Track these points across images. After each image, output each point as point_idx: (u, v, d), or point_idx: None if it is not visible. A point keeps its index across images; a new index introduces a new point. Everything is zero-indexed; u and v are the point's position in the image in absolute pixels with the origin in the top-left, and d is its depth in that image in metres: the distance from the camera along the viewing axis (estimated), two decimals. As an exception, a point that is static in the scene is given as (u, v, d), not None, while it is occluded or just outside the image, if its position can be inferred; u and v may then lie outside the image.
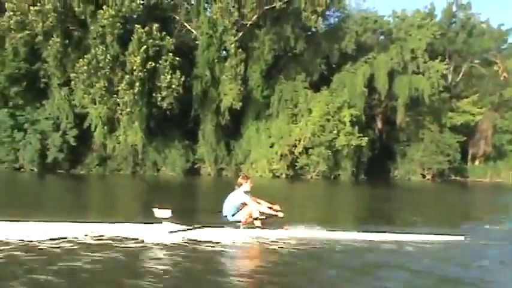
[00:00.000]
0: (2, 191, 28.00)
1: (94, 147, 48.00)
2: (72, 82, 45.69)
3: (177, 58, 44.72)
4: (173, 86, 44.32)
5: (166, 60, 44.16)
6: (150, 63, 43.11)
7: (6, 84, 45.61)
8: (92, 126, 47.19)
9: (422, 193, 40.07)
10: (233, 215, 10.60)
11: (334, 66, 52.82)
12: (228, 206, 10.67)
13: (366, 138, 48.13)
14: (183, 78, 44.99)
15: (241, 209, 10.71)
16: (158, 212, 10.56)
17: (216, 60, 47.94)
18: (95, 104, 44.47)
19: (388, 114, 55.56)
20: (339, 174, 50.17)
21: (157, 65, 43.78)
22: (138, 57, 42.28)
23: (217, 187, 38.71)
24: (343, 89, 49.34)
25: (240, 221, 10.58)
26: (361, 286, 8.11)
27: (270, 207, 10.63)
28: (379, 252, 10.48)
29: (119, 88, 43.25)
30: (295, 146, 48.07)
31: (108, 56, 42.21)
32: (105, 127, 46.88)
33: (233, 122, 49.89)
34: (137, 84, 43.15)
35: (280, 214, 10.48)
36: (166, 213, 10.47)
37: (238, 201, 10.62)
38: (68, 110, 46.80)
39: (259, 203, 10.70)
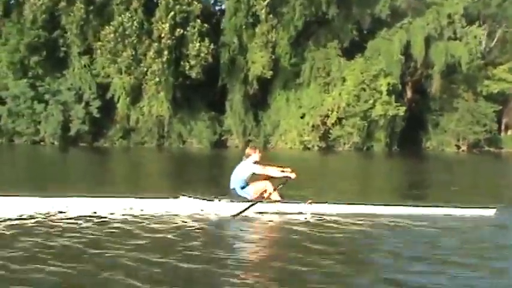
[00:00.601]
0: (28, 166, 25.98)
1: (117, 119, 45.98)
2: (96, 51, 43.56)
3: (205, 25, 42.36)
4: (202, 55, 42.08)
5: (194, 27, 41.89)
6: (178, 30, 40.78)
7: (25, 53, 43.39)
8: (115, 97, 45.18)
9: (463, 165, 37.83)
10: (242, 188, 9.89)
11: (365, 32, 50.27)
12: (236, 178, 9.96)
13: (404, 107, 45.80)
14: (212, 46, 42.64)
15: (249, 183, 10.04)
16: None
17: (243, 27, 45.54)
18: (119, 73, 42.27)
19: (421, 83, 53.08)
20: (371, 146, 48.01)
21: (185, 33, 41.44)
22: (167, 24, 39.99)
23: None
24: (378, 56, 46.85)
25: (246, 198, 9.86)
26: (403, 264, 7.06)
27: (281, 171, 9.96)
28: (409, 227, 9.50)
29: (147, 57, 40.95)
30: (328, 117, 45.86)
31: (135, 23, 39.83)
32: (129, 98, 44.83)
33: (261, 92, 47.71)
34: (165, 52, 40.90)
35: (293, 175, 9.78)
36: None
37: (247, 172, 9.90)
38: (91, 80, 44.72)
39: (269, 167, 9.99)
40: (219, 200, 9.66)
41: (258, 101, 48.11)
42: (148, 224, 9.00)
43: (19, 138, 44.47)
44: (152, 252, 7.03)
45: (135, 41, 40.64)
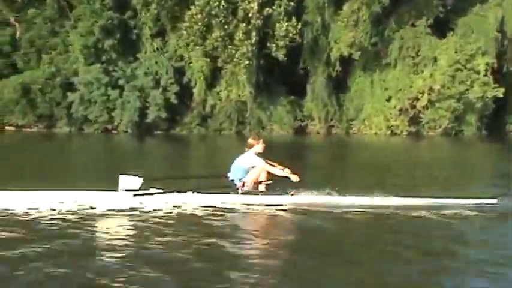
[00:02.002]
0: (121, 156, 23.29)
1: (193, 105, 43.44)
2: (176, 32, 41.02)
3: (291, 3, 39.49)
4: (290, 35, 39.21)
5: (280, 6, 39.00)
6: (266, 9, 37.95)
7: (99, 36, 40.87)
8: (192, 82, 42.62)
9: None
10: (241, 179, 9.19)
11: (449, 8, 46.96)
12: (236, 169, 9.27)
13: (502, 89, 42.60)
14: (299, 26, 39.79)
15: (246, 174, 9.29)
16: (125, 181, 8.48)
17: (326, 5, 42.56)
18: (205, 56, 39.69)
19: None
20: (461, 130, 44.94)
21: (273, 12, 38.65)
22: (255, 3, 37.18)
23: (331, 147, 33.82)
24: (471, 34, 43.59)
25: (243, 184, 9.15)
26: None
27: (283, 170, 9.15)
28: (401, 219, 8.37)
29: (234, 38, 38.19)
30: (418, 99, 42.83)
31: (223, 2, 37.06)
32: (206, 82, 42.24)
33: (342, 74, 44.85)
34: (253, 33, 38.14)
35: (295, 178, 8.90)
36: (135, 182, 8.48)
37: (249, 164, 9.22)
38: (167, 64, 42.10)
39: (272, 165, 9.19)
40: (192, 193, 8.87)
41: (340, 84, 45.26)
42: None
43: (89, 127, 42.22)
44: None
45: (222, 22, 37.80)
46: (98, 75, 40.66)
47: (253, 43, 38.36)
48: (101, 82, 40.68)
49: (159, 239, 6.75)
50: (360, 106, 44.69)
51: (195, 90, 42.67)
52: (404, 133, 43.49)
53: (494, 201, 8.98)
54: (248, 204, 8.80)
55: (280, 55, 40.02)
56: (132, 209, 8.21)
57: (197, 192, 8.84)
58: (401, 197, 9.05)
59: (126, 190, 8.33)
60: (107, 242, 6.65)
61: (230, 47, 38.82)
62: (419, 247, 6.79)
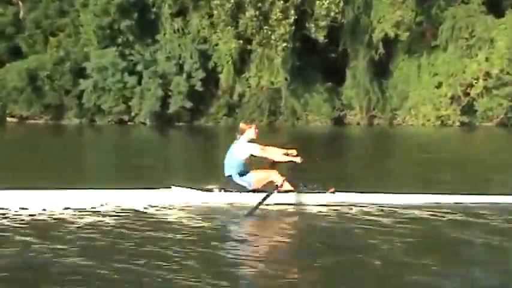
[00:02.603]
0: (146, 151, 18.79)
1: (219, 93, 38.76)
2: (193, 12, 36.49)
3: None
4: (332, 14, 34.48)
5: (319, -19, 34.32)
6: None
7: (115, 16, 36.05)
8: (219, 67, 37.97)
9: None
10: (241, 175, 7.93)
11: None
12: (231, 163, 7.98)
13: None
14: (341, 4, 35.07)
15: (249, 170, 8.04)
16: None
17: (369, -20, 37.88)
18: (237, 38, 35.03)
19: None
20: (515, 120, 40.17)
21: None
22: (293, -23, 32.47)
23: (375, 139, 29.48)
24: (533, 12, 38.88)
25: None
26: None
27: (285, 154, 7.99)
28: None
29: (271, 17, 33.51)
30: (472, 86, 38.20)
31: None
32: (234, 67, 37.59)
33: (384, 58, 40.17)
34: (291, 12, 33.40)
35: (298, 159, 7.83)
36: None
37: (244, 153, 7.92)
38: (191, 47, 37.37)
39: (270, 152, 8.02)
40: (219, 191, 7.90)
41: (381, 69, 40.58)
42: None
43: (102, 118, 37.62)
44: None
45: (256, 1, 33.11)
46: (114, 60, 35.93)
47: (291, 23, 33.58)
48: (117, 67, 36.03)
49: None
50: (404, 94, 40.05)
51: (221, 76, 38.01)
52: (457, 124, 38.83)
53: None
54: (282, 204, 7.73)
55: (321, 36, 35.55)
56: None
57: (224, 191, 7.92)
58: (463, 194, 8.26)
59: None
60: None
61: (266, 27, 34.01)
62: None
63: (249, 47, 37.42)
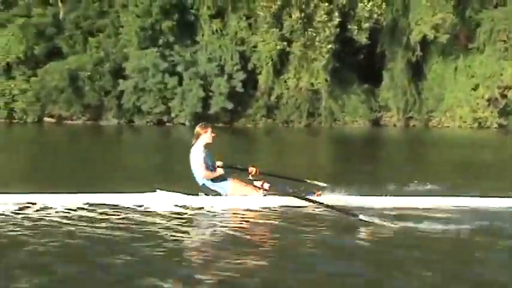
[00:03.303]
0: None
1: (257, 95, 38.87)
2: (231, 13, 36.60)
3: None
4: (375, 16, 34.60)
5: (363, -18, 34.46)
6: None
7: (158, 17, 36.15)
8: (257, 68, 38.09)
9: None
10: (214, 181, 7.76)
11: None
12: (195, 169, 7.79)
13: None
14: (384, 5, 35.18)
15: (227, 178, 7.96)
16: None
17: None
18: (282, 40, 35.15)
19: None
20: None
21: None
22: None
23: (416, 142, 29.30)
24: None
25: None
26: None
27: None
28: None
29: (315, 19, 33.61)
30: (510, 88, 38.32)
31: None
32: (273, 68, 37.70)
33: (422, 59, 40.32)
34: (336, 14, 33.50)
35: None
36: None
37: (197, 162, 7.75)
38: (232, 48, 37.47)
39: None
40: (206, 195, 7.76)
41: (417, 71, 40.69)
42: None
43: (140, 119, 37.73)
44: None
45: (303, 1, 33.15)
46: (155, 61, 36.01)
47: (336, 25, 33.69)
48: (158, 68, 36.09)
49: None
50: (440, 95, 40.17)
51: (259, 78, 38.11)
52: (494, 126, 38.94)
53: None
54: (268, 208, 7.61)
55: (363, 38, 35.70)
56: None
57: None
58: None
59: None
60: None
61: (310, 29, 34.09)
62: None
63: (287, 48, 37.47)
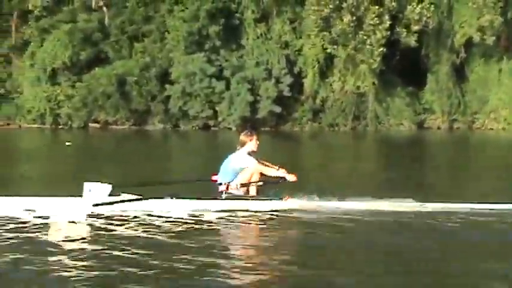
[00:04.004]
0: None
1: (303, 98, 38.93)
2: (276, 17, 36.70)
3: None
4: (424, 18, 34.61)
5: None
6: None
7: (204, 22, 36.24)
8: (303, 72, 38.19)
9: None
10: (230, 183, 7.87)
11: None
12: (226, 171, 7.91)
13: None
14: (432, 8, 35.19)
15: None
16: (91, 188, 7.26)
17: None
18: (333, 44, 35.24)
19: None
20: None
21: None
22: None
23: (462, 144, 29.14)
24: None
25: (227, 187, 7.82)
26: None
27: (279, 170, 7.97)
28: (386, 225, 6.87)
29: (365, 22, 33.65)
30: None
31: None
32: (319, 72, 37.79)
33: (464, 62, 40.31)
34: (386, 17, 33.56)
35: (291, 178, 7.81)
36: (102, 190, 7.29)
37: (240, 164, 7.84)
38: (279, 52, 37.56)
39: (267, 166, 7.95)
40: (171, 198, 7.48)
41: (460, 73, 40.68)
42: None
43: (187, 123, 37.87)
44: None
45: (354, 4, 33.20)
46: (202, 66, 36.11)
47: (386, 28, 33.72)
48: (205, 73, 36.17)
49: (122, 253, 5.36)
50: (484, 98, 40.08)
51: (305, 81, 38.17)
52: (542, 128, 38.90)
53: None
54: (233, 211, 7.42)
55: (412, 41, 35.61)
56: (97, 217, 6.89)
57: (176, 198, 7.49)
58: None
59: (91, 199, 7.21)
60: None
61: (361, 32, 34.14)
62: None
63: (333, 52, 37.52)
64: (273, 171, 7.87)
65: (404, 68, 39.33)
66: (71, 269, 4.84)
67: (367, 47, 34.63)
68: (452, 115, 40.18)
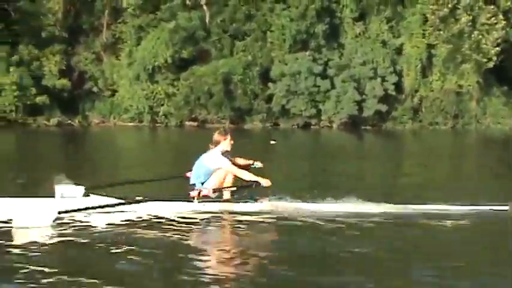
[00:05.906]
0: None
1: (403, 97, 39.08)
2: (374, 16, 36.82)
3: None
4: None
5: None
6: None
7: (313, 20, 36.35)
8: (405, 70, 38.36)
9: None
10: (203, 183, 7.55)
11: None
12: (198, 170, 7.58)
13: None
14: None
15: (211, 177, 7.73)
16: (62, 189, 7.40)
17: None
18: (444, 43, 35.31)
19: None
20: None
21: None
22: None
23: None
24: None
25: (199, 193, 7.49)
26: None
27: (248, 169, 7.66)
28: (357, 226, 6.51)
29: (481, 21, 33.81)
30: None
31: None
32: (421, 71, 38.03)
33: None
34: (500, 17, 33.89)
35: (265, 182, 7.36)
36: (74, 191, 7.44)
37: (213, 165, 7.52)
38: (384, 52, 37.70)
39: (240, 167, 7.65)
40: (144, 200, 7.21)
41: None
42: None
43: (286, 121, 38.00)
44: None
45: (470, 4, 33.36)
46: (308, 64, 36.20)
47: (502, 27, 33.88)
48: (311, 71, 36.25)
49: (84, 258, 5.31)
50: None
51: (406, 80, 38.34)
52: None
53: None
54: (207, 213, 7.22)
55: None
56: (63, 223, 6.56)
57: (148, 201, 7.23)
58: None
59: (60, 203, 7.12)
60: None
61: (476, 32, 34.30)
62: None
63: (432, 51, 37.69)
64: (247, 174, 7.53)
65: (502, 67, 39.53)
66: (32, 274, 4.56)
67: (483, 46, 34.69)
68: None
